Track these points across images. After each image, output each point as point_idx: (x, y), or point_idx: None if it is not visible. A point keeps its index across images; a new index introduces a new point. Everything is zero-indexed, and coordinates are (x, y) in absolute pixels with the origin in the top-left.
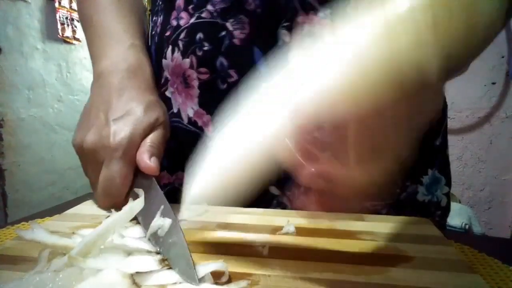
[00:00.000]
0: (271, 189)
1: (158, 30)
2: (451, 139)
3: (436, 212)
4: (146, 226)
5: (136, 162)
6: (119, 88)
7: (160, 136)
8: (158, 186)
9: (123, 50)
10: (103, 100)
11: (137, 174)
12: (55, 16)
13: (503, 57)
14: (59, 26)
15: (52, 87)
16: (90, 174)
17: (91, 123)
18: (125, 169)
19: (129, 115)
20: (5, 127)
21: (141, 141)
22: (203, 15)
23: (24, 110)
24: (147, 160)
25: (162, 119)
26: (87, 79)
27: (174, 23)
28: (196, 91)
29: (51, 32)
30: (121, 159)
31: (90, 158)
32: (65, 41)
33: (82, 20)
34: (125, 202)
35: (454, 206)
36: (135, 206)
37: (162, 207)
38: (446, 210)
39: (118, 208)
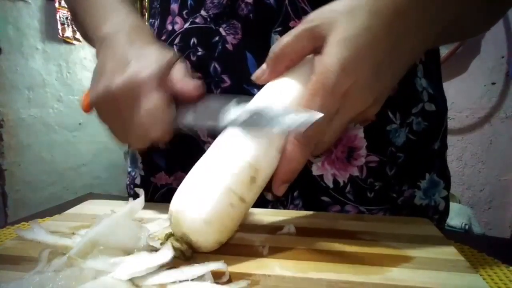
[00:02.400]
0: (265, 194)
1: (155, 33)
2: (451, 139)
3: (434, 216)
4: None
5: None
6: (129, 42)
7: (184, 65)
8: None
9: (123, 15)
10: (117, 52)
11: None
12: (55, 16)
13: (503, 57)
14: (59, 26)
15: (52, 87)
16: (120, 122)
17: (113, 71)
18: (165, 97)
19: (149, 55)
20: (5, 127)
21: (169, 73)
22: (197, 20)
23: (24, 110)
24: (192, 82)
25: (176, 58)
26: (87, 79)
27: (169, 27)
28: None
29: (51, 32)
30: (158, 89)
31: (121, 103)
32: (65, 41)
33: (70, 3)
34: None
35: (454, 206)
36: (135, 206)
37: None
38: (444, 214)
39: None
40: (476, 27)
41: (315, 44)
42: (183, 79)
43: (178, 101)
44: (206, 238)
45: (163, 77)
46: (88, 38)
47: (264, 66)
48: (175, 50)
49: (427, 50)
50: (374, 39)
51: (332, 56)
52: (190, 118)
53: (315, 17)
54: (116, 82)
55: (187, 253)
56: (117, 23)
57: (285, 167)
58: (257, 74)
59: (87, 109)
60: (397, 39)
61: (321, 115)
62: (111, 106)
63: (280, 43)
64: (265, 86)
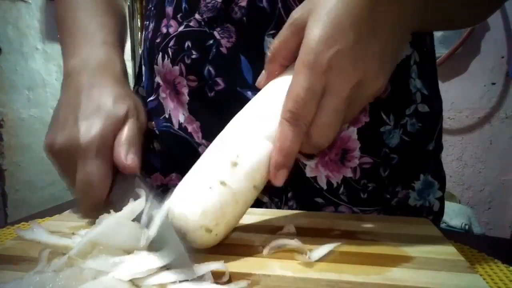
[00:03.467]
0: (259, 196)
1: (150, 35)
2: (451, 139)
3: (428, 217)
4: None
5: (112, 159)
6: (88, 86)
7: (134, 129)
8: (141, 183)
9: (94, 48)
10: (72, 100)
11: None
12: (55, 16)
13: (503, 57)
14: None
15: (52, 87)
16: (66, 178)
17: (61, 125)
18: (102, 168)
19: (98, 111)
20: (5, 127)
21: (114, 136)
22: (191, 23)
23: (24, 110)
24: (123, 159)
25: (134, 111)
26: None
27: (164, 30)
28: (186, 98)
29: (51, 32)
30: (96, 158)
31: (64, 161)
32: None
33: (58, 20)
34: (105, 204)
35: (454, 206)
36: (136, 206)
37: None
38: (439, 214)
39: (98, 213)
40: (472, 10)
41: (301, 35)
42: (120, 153)
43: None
44: (192, 223)
45: (104, 143)
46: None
47: (263, 71)
48: (137, 96)
49: (421, 28)
50: (351, 8)
51: (310, 34)
52: (118, 197)
53: (296, 11)
54: (58, 141)
55: None
56: (84, 59)
57: (277, 149)
58: (258, 80)
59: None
60: (377, 4)
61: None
62: (57, 158)
63: (272, 45)
64: (261, 91)
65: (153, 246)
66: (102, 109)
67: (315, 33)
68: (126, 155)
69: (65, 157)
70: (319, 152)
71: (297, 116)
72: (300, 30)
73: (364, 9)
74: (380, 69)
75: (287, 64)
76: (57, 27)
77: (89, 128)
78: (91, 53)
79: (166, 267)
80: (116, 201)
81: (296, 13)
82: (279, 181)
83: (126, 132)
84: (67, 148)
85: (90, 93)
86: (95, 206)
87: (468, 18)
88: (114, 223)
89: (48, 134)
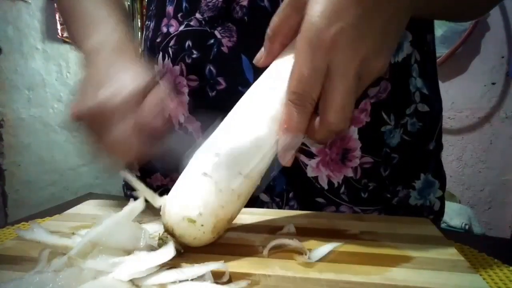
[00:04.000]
0: (261, 195)
1: (150, 35)
2: (451, 139)
3: (429, 217)
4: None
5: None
6: (111, 61)
7: (159, 94)
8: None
9: (109, 29)
10: (97, 73)
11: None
12: (55, 16)
13: (503, 57)
14: (59, 26)
15: (52, 87)
16: (94, 143)
17: (89, 93)
18: (130, 129)
19: (125, 78)
20: (5, 127)
21: (141, 101)
22: (192, 23)
23: (24, 110)
24: (150, 120)
25: (155, 82)
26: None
27: (164, 30)
28: (186, 98)
29: (51, 32)
30: (124, 119)
31: (95, 125)
32: (65, 41)
33: (64, 11)
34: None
35: (454, 206)
36: (135, 207)
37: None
38: (440, 214)
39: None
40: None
41: (302, 12)
42: (152, 109)
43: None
44: (174, 215)
45: (138, 100)
46: (77, 48)
47: (262, 49)
48: (156, 66)
49: (422, 9)
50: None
51: (312, 10)
52: (160, 150)
53: None
54: (93, 101)
55: (169, 241)
56: (102, 38)
57: (284, 130)
58: (257, 58)
59: (72, 119)
60: None
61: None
62: (90, 123)
63: (271, 22)
64: (262, 75)
65: None
66: (129, 76)
67: (317, 8)
68: (153, 117)
69: (93, 121)
70: (319, 153)
71: (302, 97)
72: (301, 6)
73: None
74: (383, 45)
75: (287, 42)
76: (56, 26)
77: (118, 92)
78: (107, 34)
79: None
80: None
81: None
82: (286, 162)
83: (152, 96)
84: (96, 112)
85: (114, 65)
86: (131, 163)
87: (469, 8)
88: (114, 223)
89: (76, 104)
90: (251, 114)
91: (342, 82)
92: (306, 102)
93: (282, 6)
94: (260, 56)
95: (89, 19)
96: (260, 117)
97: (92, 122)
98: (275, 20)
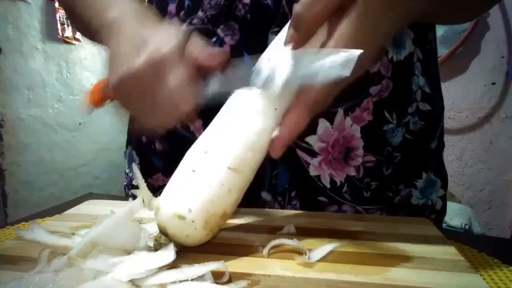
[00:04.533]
0: (263, 194)
1: None
2: (451, 139)
3: (431, 216)
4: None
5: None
6: (140, 22)
7: (200, 40)
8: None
9: (127, 3)
10: (130, 35)
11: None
12: (55, 16)
13: (503, 57)
14: (59, 26)
15: (52, 87)
16: (145, 104)
17: (131, 53)
18: (191, 69)
19: (164, 28)
20: (5, 127)
21: (185, 47)
22: (194, 21)
23: (24, 110)
24: (209, 49)
25: (191, 32)
26: (87, 79)
27: None
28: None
29: (51, 32)
30: (183, 60)
31: (146, 83)
32: (65, 41)
33: (69, 4)
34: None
35: (454, 206)
36: (135, 206)
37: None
38: (442, 213)
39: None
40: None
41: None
42: (205, 49)
43: (203, 73)
44: (164, 213)
45: (183, 49)
46: (90, 30)
47: (291, 31)
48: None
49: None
50: (388, 9)
51: (351, 24)
52: (220, 86)
53: None
54: (137, 62)
55: (164, 241)
56: (123, 7)
57: (289, 131)
58: (287, 42)
59: (98, 102)
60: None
61: (361, 51)
62: (135, 88)
63: (304, 2)
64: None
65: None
66: (166, 29)
67: (353, 29)
68: (214, 49)
69: (148, 75)
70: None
71: (316, 105)
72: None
73: (398, 15)
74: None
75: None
76: (56, 26)
77: (165, 40)
78: (128, 4)
79: (171, 267)
80: (228, 85)
81: None
82: (278, 156)
83: (196, 41)
84: (149, 65)
85: (146, 26)
86: (191, 112)
87: (467, 12)
88: (114, 223)
89: (115, 71)
90: (239, 111)
91: (341, 85)
92: (319, 107)
93: None
94: (291, 40)
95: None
96: (248, 112)
97: (138, 84)
98: (319, 5)
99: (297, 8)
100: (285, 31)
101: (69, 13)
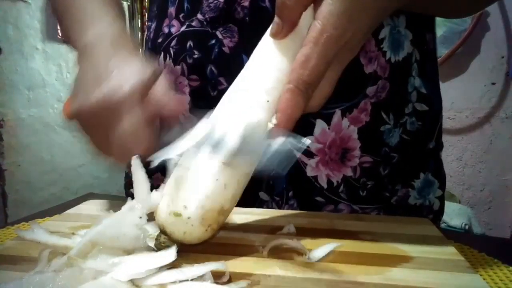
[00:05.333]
0: (261, 194)
1: (151, 35)
2: (451, 139)
3: (428, 216)
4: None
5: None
6: (111, 52)
7: (165, 81)
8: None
9: (106, 22)
10: (96, 66)
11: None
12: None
13: (503, 57)
14: (59, 26)
15: (52, 87)
16: (100, 136)
17: (93, 84)
18: (148, 113)
19: (132, 63)
20: (5, 127)
21: (149, 89)
22: (193, 23)
23: (24, 110)
24: (165, 101)
25: (159, 72)
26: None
27: (165, 30)
28: (187, 98)
29: (51, 32)
30: (142, 102)
31: (101, 117)
32: (65, 41)
33: (58, 8)
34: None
35: (454, 206)
36: (133, 206)
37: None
38: (439, 213)
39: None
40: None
41: None
42: (166, 93)
43: (161, 118)
44: (161, 212)
45: (145, 91)
46: (71, 44)
47: (277, 20)
48: (157, 63)
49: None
50: None
51: (337, 2)
52: (175, 136)
53: None
54: (96, 96)
55: (163, 240)
56: (99, 32)
57: (284, 116)
58: (274, 31)
59: (68, 117)
60: None
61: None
62: (91, 119)
63: None
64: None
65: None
66: (134, 65)
67: (343, 3)
68: (165, 99)
69: (104, 111)
70: (319, 153)
71: (309, 86)
72: None
73: None
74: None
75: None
76: (56, 26)
77: (129, 78)
78: (104, 29)
79: (171, 267)
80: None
81: None
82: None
83: (160, 82)
84: (107, 101)
85: (115, 57)
86: (144, 158)
87: (465, 5)
88: (114, 223)
89: (76, 97)
90: (231, 104)
91: (333, 71)
92: (310, 89)
93: None
94: (278, 29)
95: (85, 13)
96: (241, 105)
97: (94, 118)
98: None
99: None
100: (236, 85)
101: (58, 21)
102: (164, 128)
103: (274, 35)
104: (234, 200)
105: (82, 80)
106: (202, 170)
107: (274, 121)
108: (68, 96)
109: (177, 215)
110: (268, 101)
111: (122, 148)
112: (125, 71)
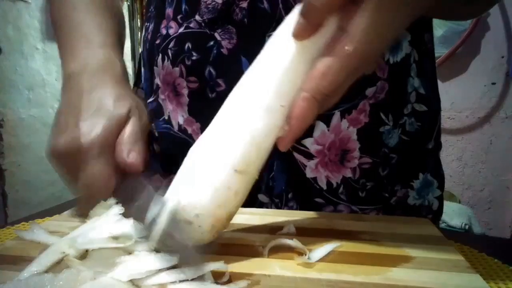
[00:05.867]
0: (260, 197)
1: (149, 37)
2: (451, 139)
3: (428, 216)
4: (140, 221)
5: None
6: (88, 88)
7: (136, 128)
8: (145, 183)
9: (93, 50)
10: (72, 103)
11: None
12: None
13: (503, 57)
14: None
15: (52, 87)
16: (68, 181)
17: (62, 128)
18: (105, 168)
19: (99, 112)
20: (5, 127)
21: (117, 136)
22: (191, 25)
23: (24, 110)
24: (125, 157)
25: (135, 110)
26: None
27: (163, 31)
28: (185, 99)
29: (51, 32)
30: (98, 158)
31: (66, 164)
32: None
33: (54, 21)
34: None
35: (454, 206)
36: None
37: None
38: (438, 213)
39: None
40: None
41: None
42: (122, 152)
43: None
44: (172, 213)
45: (106, 143)
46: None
47: (301, 20)
48: (138, 98)
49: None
50: (404, 12)
51: (367, 18)
52: (131, 192)
53: None
54: (59, 144)
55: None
56: (84, 63)
57: (297, 124)
58: (297, 32)
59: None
60: None
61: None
62: (60, 160)
63: None
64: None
65: (159, 245)
66: (104, 109)
67: (373, 20)
68: (128, 153)
69: (67, 160)
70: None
71: (326, 97)
72: None
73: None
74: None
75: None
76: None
77: (91, 129)
78: (90, 56)
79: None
80: (123, 201)
81: None
82: (286, 149)
83: (128, 130)
84: (68, 151)
85: (91, 95)
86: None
87: (469, 8)
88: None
89: (50, 140)
90: (242, 108)
91: (350, 80)
92: (327, 100)
93: None
94: (302, 30)
95: (76, 35)
96: (253, 110)
97: (69, 159)
98: None
99: None
100: (241, 87)
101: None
102: (127, 179)
103: (296, 36)
104: (241, 204)
105: (59, 117)
106: (214, 177)
107: (286, 127)
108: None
109: (188, 223)
110: (282, 106)
111: (86, 192)
112: (99, 111)
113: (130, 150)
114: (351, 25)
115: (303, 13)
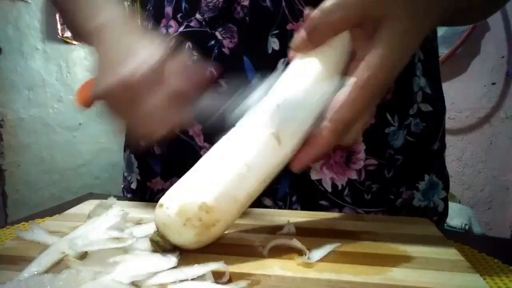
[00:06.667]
0: (263, 200)
1: None
2: (451, 139)
3: (433, 218)
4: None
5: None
6: (125, 36)
7: (182, 56)
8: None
9: (115, 7)
10: (114, 50)
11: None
12: (55, 16)
13: (503, 57)
14: (59, 26)
15: (52, 87)
16: (131, 113)
17: (111, 69)
18: (164, 98)
19: (142, 49)
20: (5, 127)
21: (164, 69)
22: (191, 24)
23: (24, 110)
24: (182, 83)
25: (173, 47)
26: (87, 79)
27: (163, 31)
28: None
29: (51, 32)
30: (154, 90)
31: (123, 99)
32: (65, 41)
33: (61, 8)
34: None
35: (454, 206)
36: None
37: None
38: (443, 215)
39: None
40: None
41: (364, 19)
42: (184, 67)
43: (185, 92)
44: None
45: (160, 73)
46: (81, 33)
47: (304, 36)
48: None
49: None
50: (416, 36)
51: (386, 50)
52: (204, 106)
53: None
54: (116, 78)
55: (163, 244)
56: (110, 13)
57: (315, 152)
58: (297, 45)
59: (86, 102)
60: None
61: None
62: (120, 97)
63: (323, 9)
64: (291, 65)
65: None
66: (148, 45)
67: (392, 52)
68: (198, 67)
69: (124, 96)
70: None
71: (347, 127)
72: (367, 16)
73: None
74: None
75: (332, 37)
76: (56, 26)
77: (145, 58)
78: (114, 12)
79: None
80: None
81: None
82: (300, 171)
83: (177, 58)
84: (126, 85)
85: (132, 35)
86: (171, 133)
87: (477, 14)
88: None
89: (102, 77)
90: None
91: (371, 110)
92: (347, 130)
93: (348, 6)
94: (301, 43)
95: (91, 3)
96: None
97: (118, 99)
98: (337, 15)
99: (315, 13)
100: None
101: (63, 17)
102: (194, 99)
103: (296, 48)
104: (239, 214)
105: (104, 61)
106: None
107: (303, 152)
108: (83, 83)
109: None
110: (295, 135)
111: (147, 128)
112: (141, 52)
113: (183, 78)
114: (368, 54)
115: (307, 32)
